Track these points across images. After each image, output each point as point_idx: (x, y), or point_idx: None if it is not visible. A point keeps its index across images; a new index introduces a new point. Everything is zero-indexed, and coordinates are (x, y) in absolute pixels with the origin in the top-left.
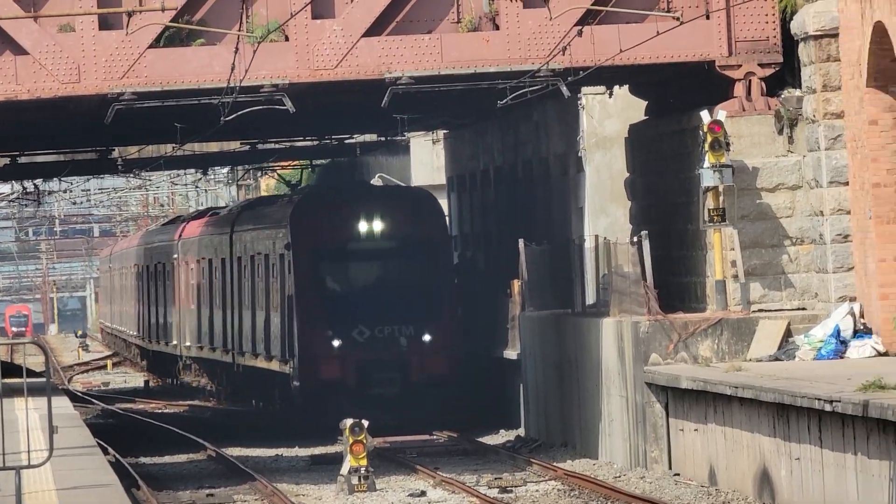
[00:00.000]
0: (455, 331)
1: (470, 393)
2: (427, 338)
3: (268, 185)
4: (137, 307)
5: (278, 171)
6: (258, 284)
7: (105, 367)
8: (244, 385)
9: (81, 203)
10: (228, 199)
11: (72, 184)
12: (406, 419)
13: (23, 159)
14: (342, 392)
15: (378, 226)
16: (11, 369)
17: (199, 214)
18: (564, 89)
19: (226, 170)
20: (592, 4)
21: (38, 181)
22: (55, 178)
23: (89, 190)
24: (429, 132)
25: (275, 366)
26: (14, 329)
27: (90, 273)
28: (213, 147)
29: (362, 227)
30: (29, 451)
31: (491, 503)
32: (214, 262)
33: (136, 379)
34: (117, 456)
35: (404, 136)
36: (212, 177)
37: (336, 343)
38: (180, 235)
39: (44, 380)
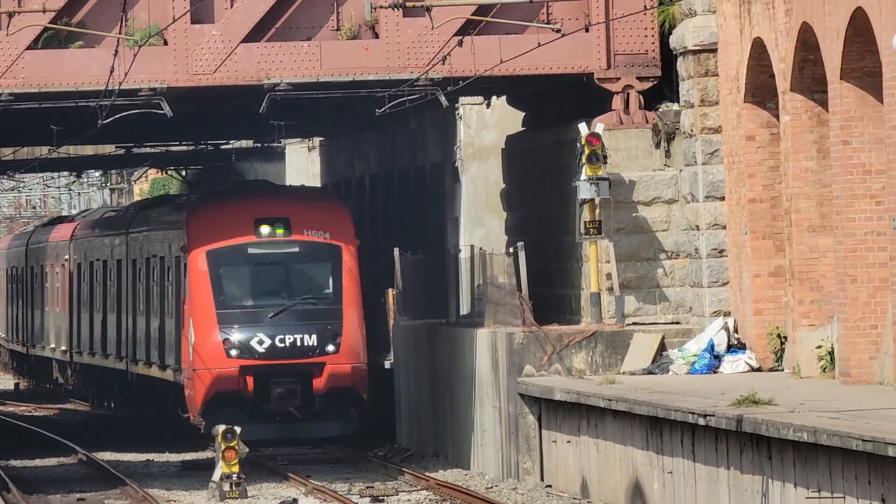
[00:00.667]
0: (361, 340)
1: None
2: (331, 348)
3: (141, 189)
4: (9, 309)
5: (170, 171)
6: (153, 289)
7: None
8: (138, 395)
9: None
10: (101, 202)
11: None
12: (307, 433)
13: None
14: (240, 405)
15: (280, 227)
16: None
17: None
18: (443, 99)
19: (99, 173)
20: (473, 14)
21: None
22: None
23: None
24: (305, 139)
25: (169, 375)
26: None
27: None
28: (89, 150)
29: (263, 228)
30: None
31: None
32: (109, 263)
33: (5, 382)
34: None
35: (280, 142)
36: (85, 180)
37: (233, 353)
38: (72, 235)
39: None
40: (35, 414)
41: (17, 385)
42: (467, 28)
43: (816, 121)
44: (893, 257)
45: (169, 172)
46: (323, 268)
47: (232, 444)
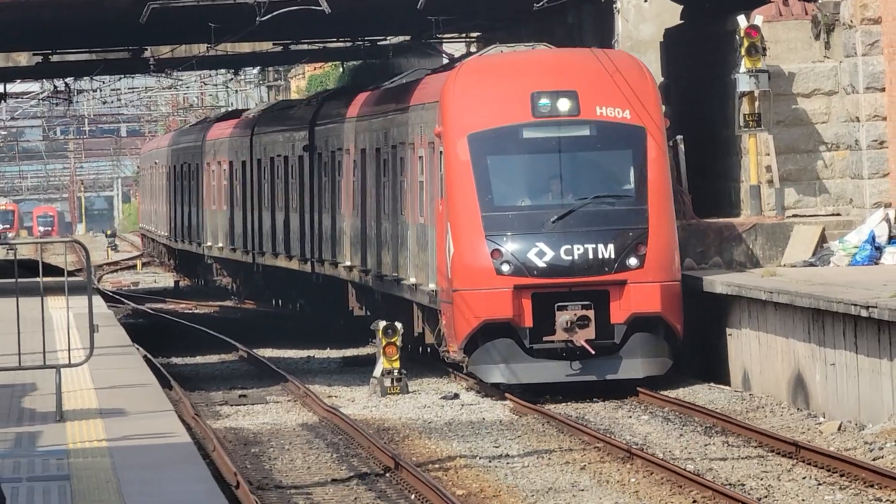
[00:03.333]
0: (673, 250)
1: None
2: (634, 261)
3: (298, 86)
4: (167, 208)
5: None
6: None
7: (135, 267)
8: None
9: (112, 103)
10: (258, 100)
11: (103, 83)
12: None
13: (55, 58)
14: (515, 337)
15: (567, 103)
16: (48, 269)
17: (225, 116)
18: None
19: (256, 71)
20: None
21: (70, 80)
22: (86, 77)
23: (119, 89)
24: (463, 35)
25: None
26: (41, 229)
27: (118, 173)
28: (246, 48)
29: (543, 105)
30: (69, 350)
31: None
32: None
33: (166, 279)
34: (149, 356)
35: (437, 38)
36: (242, 78)
37: (505, 268)
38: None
39: (80, 279)
40: (196, 312)
41: (177, 283)
42: None
43: None
44: None
45: (326, 68)
46: (623, 156)
47: (393, 340)
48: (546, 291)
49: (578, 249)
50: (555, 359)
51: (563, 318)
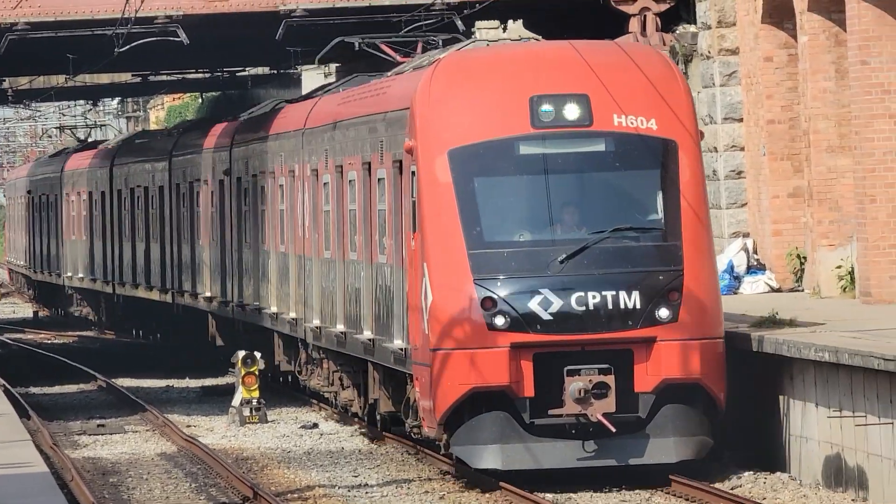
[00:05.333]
0: (715, 298)
1: None
2: (665, 313)
3: (157, 117)
4: (26, 238)
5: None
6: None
7: None
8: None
9: None
10: (118, 130)
11: None
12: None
13: None
14: (512, 410)
15: (576, 110)
16: None
17: (84, 147)
18: (459, 23)
19: (115, 101)
20: None
21: None
22: None
23: None
24: (321, 65)
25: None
26: None
27: None
28: (104, 79)
29: (545, 113)
30: None
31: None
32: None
33: (24, 310)
34: (7, 386)
35: (296, 68)
36: (101, 108)
37: (500, 322)
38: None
39: None
40: (55, 342)
41: (35, 313)
42: None
43: (834, 41)
44: None
45: (185, 99)
46: (649, 177)
47: (252, 370)
48: (552, 351)
49: (594, 298)
50: (563, 438)
51: (574, 385)
